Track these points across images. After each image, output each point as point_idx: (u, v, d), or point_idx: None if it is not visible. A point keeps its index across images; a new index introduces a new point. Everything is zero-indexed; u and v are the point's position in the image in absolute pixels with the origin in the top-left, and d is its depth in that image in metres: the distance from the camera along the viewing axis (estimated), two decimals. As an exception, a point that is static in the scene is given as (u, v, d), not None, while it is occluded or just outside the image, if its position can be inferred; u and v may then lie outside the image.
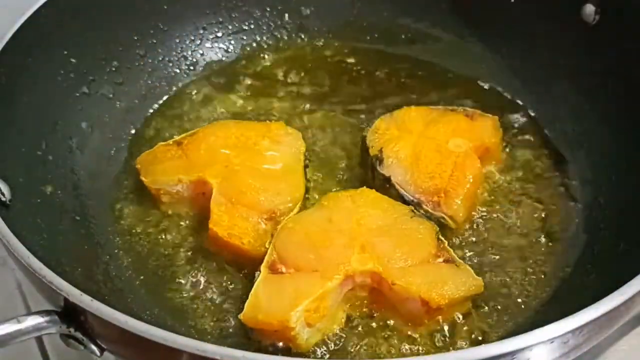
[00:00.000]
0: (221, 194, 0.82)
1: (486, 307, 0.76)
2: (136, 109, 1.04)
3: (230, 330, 0.76)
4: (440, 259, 0.74)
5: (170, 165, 0.87)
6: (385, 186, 0.84)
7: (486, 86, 1.07)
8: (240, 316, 0.70)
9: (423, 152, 0.85)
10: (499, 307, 0.76)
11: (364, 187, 0.83)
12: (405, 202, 0.82)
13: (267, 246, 0.77)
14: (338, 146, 0.97)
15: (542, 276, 0.80)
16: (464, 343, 0.73)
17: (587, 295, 0.62)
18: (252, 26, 1.16)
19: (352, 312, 0.76)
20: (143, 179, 0.87)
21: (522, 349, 0.52)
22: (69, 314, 0.61)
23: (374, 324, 0.75)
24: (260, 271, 0.73)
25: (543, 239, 0.84)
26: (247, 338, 0.73)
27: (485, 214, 0.87)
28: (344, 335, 0.74)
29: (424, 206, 0.81)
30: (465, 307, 0.75)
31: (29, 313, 0.60)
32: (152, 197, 0.89)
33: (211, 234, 0.80)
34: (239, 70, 1.13)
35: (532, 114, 1.01)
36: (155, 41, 1.09)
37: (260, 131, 0.90)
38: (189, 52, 1.13)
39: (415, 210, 0.80)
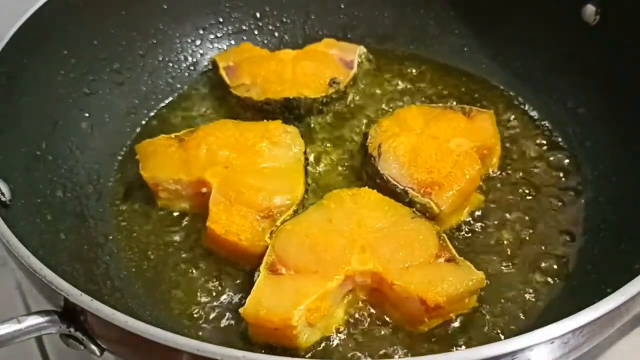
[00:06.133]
0: (220, 193, 0.82)
1: (486, 308, 0.76)
2: (136, 109, 1.05)
3: (230, 329, 0.76)
4: (442, 259, 0.74)
5: (170, 162, 0.87)
6: (376, 181, 0.85)
7: (487, 86, 1.07)
8: (241, 310, 0.70)
9: (423, 149, 0.85)
10: (499, 308, 0.76)
11: (366, 186, 0.83)
12: (396, 194, 0.82)
13: (266, 240, 0.78)
14: (340, 145, 0.98)
15: (542, 276, 0.80)
16: (464, 343, 0.73)
17: (587, 295, 0.62)
18: (252, 26, 1.17)
19: (352, 311, 0.76)
20: (142, 172, 0.87)
21: (523, 349, 0.52)
22: (69, 314, 0.61)
23: (374, 324, 0.75)
24: (259, 271, 0.73)
25: (542, 239, 0.84)
26: (247, 338, 0.73)
27: (484, 213, 0.87)
28: (344, 335, 0.74)
29: (412, 192, 0.81)
30: (470, 304, 0.75)
31: (29, 313, 0.60)
32: (150, 193, 0.89)
33: (209, 232, 0.80)
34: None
35: (532, 114, 1.02)
36: (155, 41, 1.09)
37: (259, 131, 0.90)
38: (190, 52, 1.13)
39: (416, 212, 0.80)
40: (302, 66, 1.03)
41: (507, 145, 0.96)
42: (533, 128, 0.99)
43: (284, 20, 1.17)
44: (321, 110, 1.02)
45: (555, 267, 0.81)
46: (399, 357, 0.71)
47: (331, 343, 0.73)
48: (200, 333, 0.75)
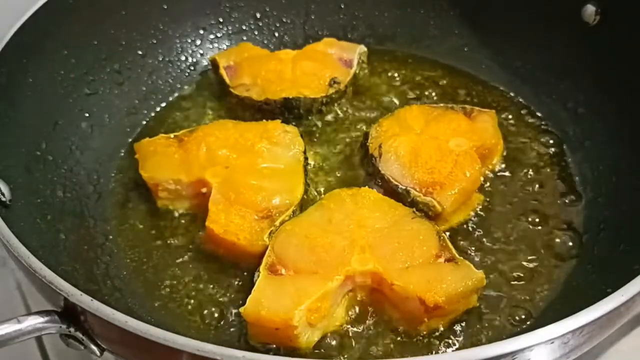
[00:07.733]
0: (220, 193, 0.82)
1: (486, 307, 0.76)
2: (136, 109, 1.05)
3: (231, 330, 0.76)
4: (442, 259, 0.74)
5: (169, 162, 0.87)
6: (377, 181, 0.85)
7: (487, 86, 1.07)
8: (241, 310, 0.70)
9: (423, 149, 0.85)
10: (499, 308, 0.76)
11: (366, 186, 0.83)
12: (397, 194, 0.82)
13: (265, 240, 0.78)
14: (340, 145, 0.98)
15: (542, 277, 0.80)
16: (464, 343, 0.73)
17: (587, 295, 0.62)
18: (252, 26, 1.17)
19: (352, 312, 0.76)
20: (141, 172, 0.87)
21: (523, 349, 0.52)
22: (69, 314, 0.61)
23: (374, 324, 0.75)
24: (259, 272, 0.73)
25: (543, 240, 0.84)
26: (247, 338, 0.73)
27: (484, 213, 0.87)
28: (344, 335, 0.74)
29: (414, 192, 0.81)
30: (470, 303, 0.75)
31: (29, 313, 0.60)
32: (150, 193, 0.89)
33: (208, 232, 0.80)
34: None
35: (532, 114, 1.02)
36: (155, 41, 1.09)
37: (258, 131, 0.90)
38: (190, 52, 1.13)
39: (416, 212, 0.80)
40: (302, 66, 1.03)
41: (508, 145, 0.96)
42: (533, 128, 0.99)
43: (284, 20, 1.17)
44: (321, 110, 1.02)
45: (555, 267, 0.81)
46: (399, 358, 0.71)
47: (331, 343, 0.73)
48: (200, 333, 0.75)
